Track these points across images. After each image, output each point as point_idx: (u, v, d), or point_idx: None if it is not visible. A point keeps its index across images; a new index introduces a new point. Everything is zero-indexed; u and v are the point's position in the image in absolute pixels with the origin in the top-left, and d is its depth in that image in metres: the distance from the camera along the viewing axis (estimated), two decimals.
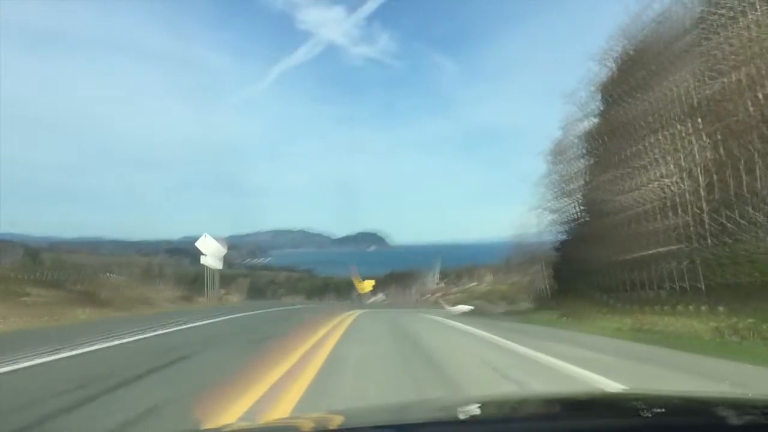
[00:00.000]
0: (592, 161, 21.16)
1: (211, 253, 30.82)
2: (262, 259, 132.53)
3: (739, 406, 1.58)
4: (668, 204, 13.56)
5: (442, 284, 55.53)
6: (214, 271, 30.35)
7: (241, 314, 16.88)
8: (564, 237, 23.85)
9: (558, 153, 24.15)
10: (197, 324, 12.21)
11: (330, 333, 10.17)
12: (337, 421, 1.61)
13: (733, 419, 1.26)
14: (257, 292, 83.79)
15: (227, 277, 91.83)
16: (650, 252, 13.62)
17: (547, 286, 22.57)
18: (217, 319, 13.90)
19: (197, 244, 30.54)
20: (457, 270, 72.11)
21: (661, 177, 15.03)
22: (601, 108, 20.91)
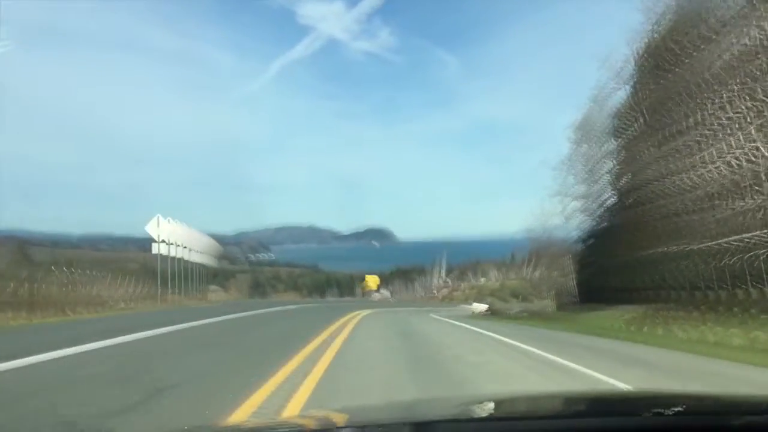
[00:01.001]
0: (631, 136, 17.81)
1: (167, 238, 25.30)
2: (265, 254, 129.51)
3: (751, 405, 1.60)
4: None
5: (449, 280, 52.32)
6: (199, 266, 27.07)
7: (187, 324, 11.89)
8: (594, 226, 20.53)
9: (586, 129, 20.80)
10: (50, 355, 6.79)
11: (291, 380, 5.36)
12: (350, 418, 1.55)
13: (746, 418, 1.27)
14: (258, 288, 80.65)
15: (228, 273, 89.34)
16: (741, 238, 10.24)
17: (575, 283, 19.29)
18: (109, 342, 8.27)
19: (147, 228, 24.65)
20: (461, 266, 69.06)
21: (740, 147, 11.67)
22: (643, 74, 17.55)
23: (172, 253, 25.56)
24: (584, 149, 21.57)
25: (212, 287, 37.05)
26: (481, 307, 23.99)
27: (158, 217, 25.18)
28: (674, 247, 13.90)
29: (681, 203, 13.93)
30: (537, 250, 29.13)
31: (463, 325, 14.55)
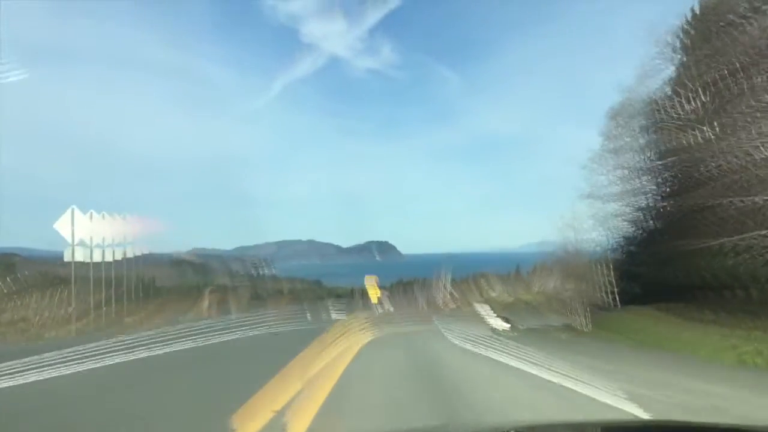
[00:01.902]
0: (680, 118, 14.81)
1: (87, 236, 18.90)
2: (267, 269, 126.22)
3: None
4: None
5: (455, 293, 48.79)
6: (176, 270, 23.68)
7: None
8: (635, 228, 17.43)
9: (620, 120, 17.81)
10: None
11: None
12: None
13: None
14: (260, 302, 77.34)
15: (229, 287, 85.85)
16: None
17: (616, 294, 16.07)
18: None
19: (56, 225, 18.01)
20: (465, 279, 66.04)
21: None
22: (693, 46, 14.64)
23: (106, 258, 20.39)
24: (619, 143, 18.58)
25: (207, 290, 33.75)
26: (500, 322, 20.76)
27: (72, 210, 18.36)
28: (743, 238, 10.99)
29: (750, 180, 11.04)
30: (560, 260, 25.98)
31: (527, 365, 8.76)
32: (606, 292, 16.38)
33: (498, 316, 22.93)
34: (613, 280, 15.93)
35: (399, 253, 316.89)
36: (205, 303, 31.64)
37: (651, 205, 17.20)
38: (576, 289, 21.31)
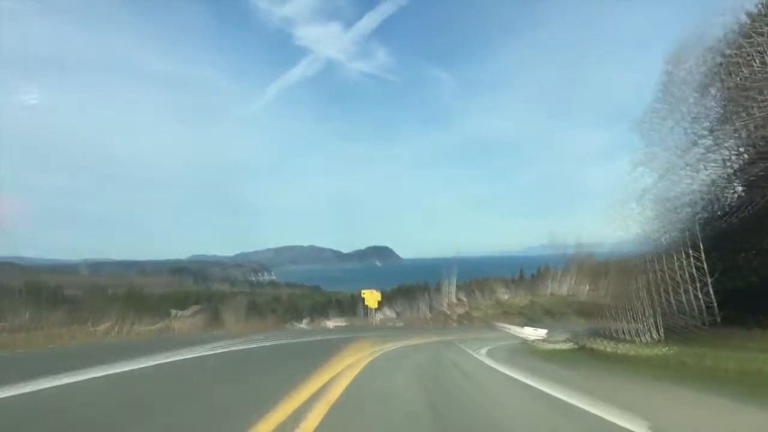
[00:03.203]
0: None
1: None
2: (266, 275, 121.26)
3: None
4: None
5: (463, 297, 44.02)
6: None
7: None
8: (712, 206, 12.74)
9: (692, 61, 13.12)
10: None
11: None
12: None
13: None
14: (257, 311, 72.60)
15: (227, 295, 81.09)
16: None
17: (711, 295, 11.27)
18: None
19: None
20: (468, 283, 61.60)
21: None
22: None
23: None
24: (679, 96, 13.93)
25: (180, 312, 28.84)
26: (532, 330, 16.13)
27: None
28: None
29: None
30: (589, 259, 21.21)
31: None
32: (695, 289, 11.66)
33: (527, 325, 18.32)
34: (707, 269, 11.25)
35: (398, 258, 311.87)
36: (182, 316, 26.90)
37: (734, 175, 12.62)
38: (629, 290, 16.38)
